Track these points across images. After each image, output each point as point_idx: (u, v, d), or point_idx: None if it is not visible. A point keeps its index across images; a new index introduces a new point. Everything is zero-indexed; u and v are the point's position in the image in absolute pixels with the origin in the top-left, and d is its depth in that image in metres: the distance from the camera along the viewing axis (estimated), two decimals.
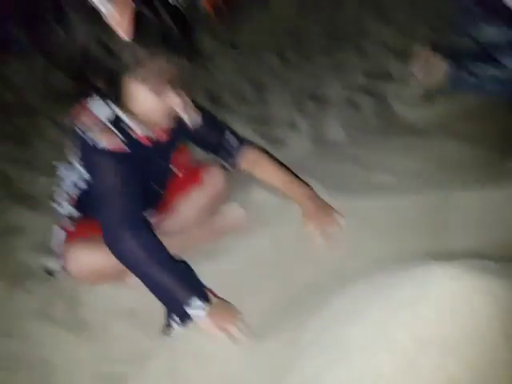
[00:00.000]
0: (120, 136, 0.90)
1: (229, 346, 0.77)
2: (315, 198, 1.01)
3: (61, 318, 0.97)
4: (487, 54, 1.44)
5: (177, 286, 0.80)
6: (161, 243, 0.86)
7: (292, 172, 1.07)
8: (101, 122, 0.89)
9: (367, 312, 0.64)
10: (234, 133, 1.08)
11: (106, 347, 0.88)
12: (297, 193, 1.01)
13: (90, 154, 0.90)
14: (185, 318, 0.80)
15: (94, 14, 0.77)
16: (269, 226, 1.02)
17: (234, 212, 1.12)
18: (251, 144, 1.11)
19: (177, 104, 0.88)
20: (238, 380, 0.72)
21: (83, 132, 0.88)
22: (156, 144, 0.98)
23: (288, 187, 1.02)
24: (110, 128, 0.90)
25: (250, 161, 1.05)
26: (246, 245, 0.98)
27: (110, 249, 0.84)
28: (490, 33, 1.48)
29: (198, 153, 1.39)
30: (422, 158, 1.17)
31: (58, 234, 1.05)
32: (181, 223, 1.12)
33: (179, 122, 0.98)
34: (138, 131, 0.94)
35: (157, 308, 0.90)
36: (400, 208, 0.96)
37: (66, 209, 1.05)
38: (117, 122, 0.91)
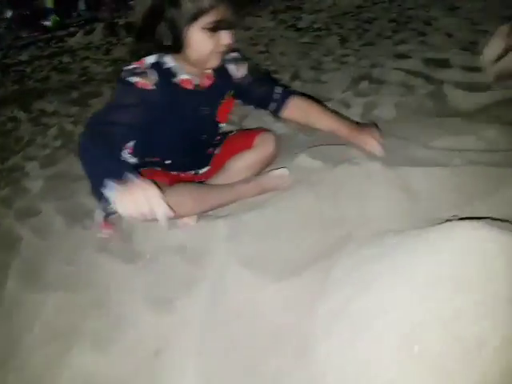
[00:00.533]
0: (155, 77, 0.99)
1: (265, 278, 0.85)
2: (361, 126, 1.14)
3: (116, 250, 1.09)
4: None
5: (97, 173, 0.87)
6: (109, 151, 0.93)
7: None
8: (142, 66, 0.99)
9: (393, 254, 0.71)
10: (280, 85, 1.17)
11: (156, 276, 0.99)
12: (344, 129, 1.15)
13: (119, 86, 1.01)
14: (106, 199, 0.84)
15: None
16: (312, 186, 1.09)
17: (279, 172, 1.19)
18: (298, 94, 1.19)
19: (228, 42, 0.97)
20: (275, 307, 0.80)
21: (123, 75, 0.99)
22: (197, 88, 1.07)
23: (335, 126, 1.15)
24: (148, 71, 0.99)
25: (298, 108, 1.14)
26: (289, 199, 1.05)
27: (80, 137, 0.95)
28: None
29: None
30: (468, 139, 1.19)
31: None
32: (229, 180, 1.19)
33: (226, 72, 1.08)
34: (182, 75, 1.03)
35: (201, 244, 1.01)
36: (439, 177, 1.00)
37: (127, 158, 1.14)
38: (158, 66, 1.00)
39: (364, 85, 1.95)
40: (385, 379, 0.57)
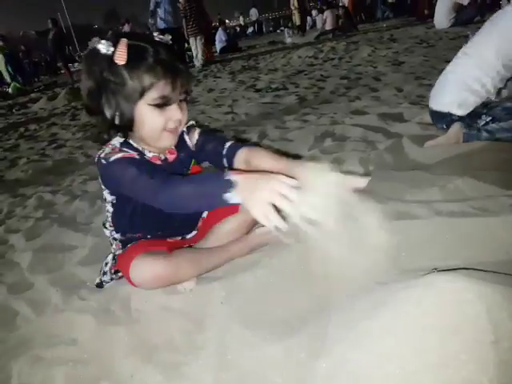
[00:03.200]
0: (133, 152, 1.02)
1: (265, 339, 0.90)
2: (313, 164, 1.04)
3: (117, 317, 1.10)
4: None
5: (210, 192, 0.88)
6: (183, 178, 0.95)
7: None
8: (115, 147, 1.02)
9: (382, 309, 0.78)
10: (228, 143, 1.16)
11: (161, 340, 1.00)
12: (292, 168, 1.01)
13: (107, 169, 1.00)
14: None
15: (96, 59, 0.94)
16: (298, 242, 1.17)
17: (265, 231, 1.24)
18: (247, 145, 1.16)
19: (178, 117, 1.00)
20: (277, 367, 0.85)
21: (106, 159, 0.99)
22: (166, 163, 1.10)
23: (282, 167, 1.03)
24: (123, 148, 1.02)
25: (245, 157, 1.11)
26: (278, 257, 1.13)
27: (155, 204, 0.94)
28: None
29: None
30: (432, 191, 1.33)
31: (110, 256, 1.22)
32: (219, 243, 1.24)
33: (184, 143, 1.12)
34: (149, 153, 1.07)
35: (201, 307, 1.05)
36: (414, 230, 1.11)
37: (111, 233, 1.19)
38: (128, 145, 1.05)
39: (328, 142, 2.11)
40: None
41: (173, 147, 1.12)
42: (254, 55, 8.14)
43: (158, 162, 1.09)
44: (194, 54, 7.92)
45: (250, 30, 19.06)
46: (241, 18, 23.76)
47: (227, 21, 21.35)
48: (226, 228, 1.26)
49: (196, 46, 7.81)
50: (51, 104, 6.23)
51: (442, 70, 1.89)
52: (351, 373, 0.72)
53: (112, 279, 1.23)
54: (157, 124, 0.99)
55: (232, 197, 0.85)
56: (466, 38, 1.91)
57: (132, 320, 1.08)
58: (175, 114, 1.00)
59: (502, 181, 1.32)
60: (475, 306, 0.65)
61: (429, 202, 1.25)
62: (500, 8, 1.62)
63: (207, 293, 1.09)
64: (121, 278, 1.22)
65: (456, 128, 1.70)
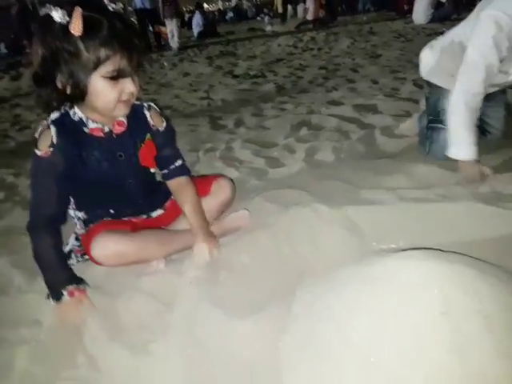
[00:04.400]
0: (52, 138, 1.02)
1: (234, 318, 0.92)
2: (209, 232, 1.16)
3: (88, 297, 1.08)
4: None
5: (49, 281, 1.06)
6: (54, 243, 1.07)
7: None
8: (44, 127, 1.03)
9: (344, 288, 0.81)
10: (180, 161, 1.22)
11: (131, 320, 1.00)
12: (196, 225, 1.15)
13: (31, 162, 1.06)
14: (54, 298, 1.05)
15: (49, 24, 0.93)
16: (268, 227, 1.18)
17: (240, 214, 1.27)
18: (189, 176, 1.24)
19: (131, 90, 1.00)
20: (245, 344, 0.87)
21: (35, 146, 1.04)
22: (109, 135, 1.09)
23: (191, 217, 1.16)
24: (45, 131, 1.02)
25: (178, 188, 1.21)
26: (249, 241, 1.14)
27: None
28: None
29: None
30: (399, 178, 1.38)
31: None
32: (188, 226, 1.22)
33: (142, 117, 1.13)
34: (91, 124, 1.07)
35: (171, 287, 1.05)
36: (379, 214, 1.15)
37: (75, 212, 1.18)
38: (62, 121, 1.05)
39: (304, 131, 2.14)
40: None
41: (123, 120, 1.11)
42: (232, 41, 8.05)
43: (100, 134, 1.08)
44: (170, 36, 7.74)
45: (230, 15, 18.72)
46: (220, 3, 23.37)
47: (206, 5, 20.95)
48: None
49: (172, 28, 7.64)
50: (15, 84, 5.97)
51: (418, 64, 1.93)
52: (314, 346, 0.75)
53: (78, 262, 1.21)
54: (110, 96, 0.99)
55: (50, 302, 1.04)
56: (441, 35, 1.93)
57: (99, 300, 1.07)
58: (129, 87, 1.00)
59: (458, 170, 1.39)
60: (429, 281, 0.70)
61: (395, 188, 1.30)
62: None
63: (176, 273, 1.09)
64: (87, 260, 1.20)
65: (413, 119, 1.73)
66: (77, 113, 1.06)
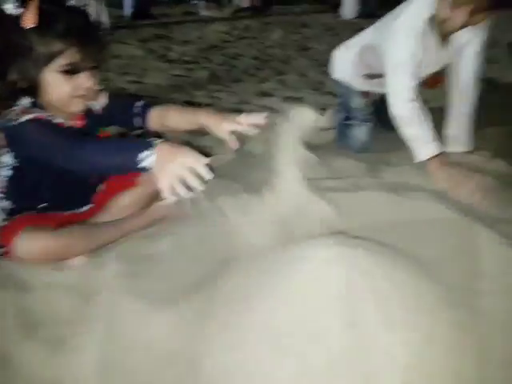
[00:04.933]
0: (44, 114, 0.99)
1: (156, 309, 0.94)
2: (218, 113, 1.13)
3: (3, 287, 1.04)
4: None
5: (127, 147, 0.91)
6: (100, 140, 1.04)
7: None
8: (24, 108, 0.98)
9: (262, 276, 0.88)
10: (140, 102, 1.18)
11: (48, 315, 0.98)
12: (202, 117, 1.10)
13: (16, 130, 0.96)
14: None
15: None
16: (195, 217, 1.21)
17: (166, 203, 1.28)
18: (159, 105, 1.19)
19: (87, 85, 0.99)
20: (167, 333, 0.89)
21: (7, 120, 0.96)
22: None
23: (194, 120, 1.11)
24: (31, 110, 0.98)
25: (160, 115, 1.15)
26: (174, 231, 1.17)
27: (71, 163, 0.94)
28: None
29: None
30: (325, 167, 1.49)
31: None
32: (115, 218, 1.22)
33: (90, 110, 1.11)
34: (55, 118, 1.03)
35: (92, 281, 1.05)
36: (300, 203, 1.23)
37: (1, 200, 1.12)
38: (36, 108, 1.01)
39: None
40: (261, 372, 0.72)
41: (83, 113, 1.10)
42: (167, 24, 7.79)
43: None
44: (95, 16, 7.27)
45: None
46: None
47: None
48: (124, 202, 1.25)
49: (95, 8, 7.18)
50: None
51: None
52: (232, 333, 0.80)
53: None
54: (64, 91, 0.98)
55: (146, 158, 0.85)
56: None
57: (15, 297, 1.03)
58: (84, 82, 0.99)
59: (373, 162, 1.52)
60: (332, 266, 0.78)
61: (315, 179, 1.38)
62: None
63: (99, 267, 1.08)
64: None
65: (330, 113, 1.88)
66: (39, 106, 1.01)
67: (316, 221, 1.21)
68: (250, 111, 2.26)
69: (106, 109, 1.16)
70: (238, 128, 1.06)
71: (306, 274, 0.79)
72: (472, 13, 1.06)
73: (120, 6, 10.17)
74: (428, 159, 1.26)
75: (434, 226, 1.07)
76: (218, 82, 3.11)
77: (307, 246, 0.89)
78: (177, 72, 3.57)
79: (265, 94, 2.65)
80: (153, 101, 1.21)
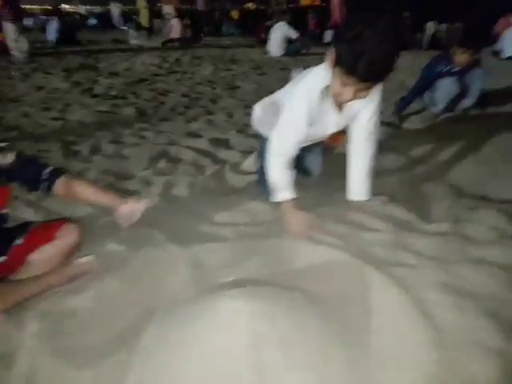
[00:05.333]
0: None
1: (77, 367, 0.96)
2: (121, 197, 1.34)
3: None
4: None
5: None
6: None
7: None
8: None
9: (182, 328, 0.95)
10: (49, 168, 1.26)
11: None
12: (104, 199, 1.33)
13: None
14: None
15: None
16: (117, 271, 1.25)
17: (86, 260, 1.29)
18: (66, 174, 1.30)
19: None
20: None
21: None
22: None
23: (97, 196, 1.32)
24: None
25: (66, 185, 1.27)
26: (96, 287, 1.19)
27: None
28: None
29: None
30: (238, 214, 1.62)
31: None
32: (33, 274, 1.22)
33: None
34: None
35: (9, 339, 1.04)
36: (220, 250, 1.33)
37: None
38: None
39: (162, 163, 2.24)
40: None
41: None
42: (94, 52, 7.67)
43: None
44: (12, 45, 6.56)
45: (93, 21, 17.59)
46: (81, 6, 21.75)
47: (65, 5, 19.27)
48: (41, 259, 1.26)
49: (11, 34, 6.66)
50: None
51: None
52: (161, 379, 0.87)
53: None
54: None
55: None
56: (290, 72, 2.17)
57: None
58: None
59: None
60: (239, 318, 0.89)
61: (237, 225, 1.52)
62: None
63: (17, 325, 1.07)
64: None
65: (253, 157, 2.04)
66: None
67: (237, 267, 1.31)
68: (177, 153, 2.37)
69: (15, 165, 1.19)
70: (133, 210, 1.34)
71: (216, 326, 0.89)
72: (357, 92, 1.24)
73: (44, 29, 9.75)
74: (282, 202, 1.48)
75: (333, 270, 1.22)
76: (145, 120, 3.15)
77: (217, 297, 0.98)
78: (103, 108, 3.54)
79: (193, 135, 2.75)
80: (61, 169, 1.30)
